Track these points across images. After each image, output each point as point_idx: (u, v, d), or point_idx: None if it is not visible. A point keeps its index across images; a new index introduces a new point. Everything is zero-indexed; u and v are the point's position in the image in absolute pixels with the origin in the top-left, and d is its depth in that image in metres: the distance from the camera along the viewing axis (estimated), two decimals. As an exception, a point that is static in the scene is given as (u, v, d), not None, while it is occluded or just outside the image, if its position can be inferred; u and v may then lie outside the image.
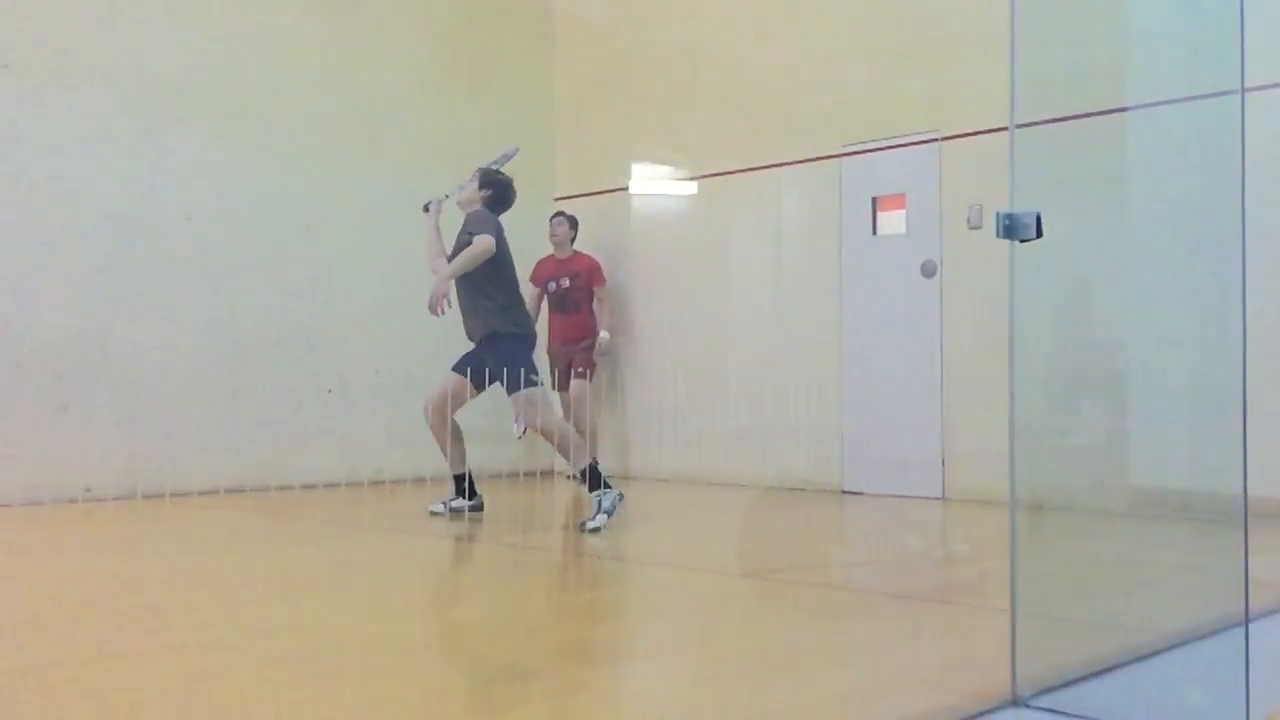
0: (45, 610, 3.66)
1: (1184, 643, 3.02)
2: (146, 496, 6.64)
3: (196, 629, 3.35)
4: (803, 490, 7.42)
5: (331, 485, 7.37)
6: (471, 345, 5.83)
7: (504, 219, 5.87)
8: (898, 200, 7.26)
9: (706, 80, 8.19)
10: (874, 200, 7.34)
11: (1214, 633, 2.87)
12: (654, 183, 8.60)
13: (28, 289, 6.45)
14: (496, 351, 5.67)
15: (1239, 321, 2.47)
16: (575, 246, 8.29)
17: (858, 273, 7.36)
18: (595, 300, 8.20)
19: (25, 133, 6.50)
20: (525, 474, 8.34)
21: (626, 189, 8.67)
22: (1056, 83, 3.09)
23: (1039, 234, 2.54)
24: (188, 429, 6.95)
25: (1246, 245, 2.52)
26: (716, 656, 3.08)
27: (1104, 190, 3.43)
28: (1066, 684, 2.58)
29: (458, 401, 5.76)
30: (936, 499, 6.88)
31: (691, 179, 8.35)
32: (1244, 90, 2.53)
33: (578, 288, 8.16)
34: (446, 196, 6.09)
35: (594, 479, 5.46)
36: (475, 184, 5.96)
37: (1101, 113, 3.28)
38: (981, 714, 2.42)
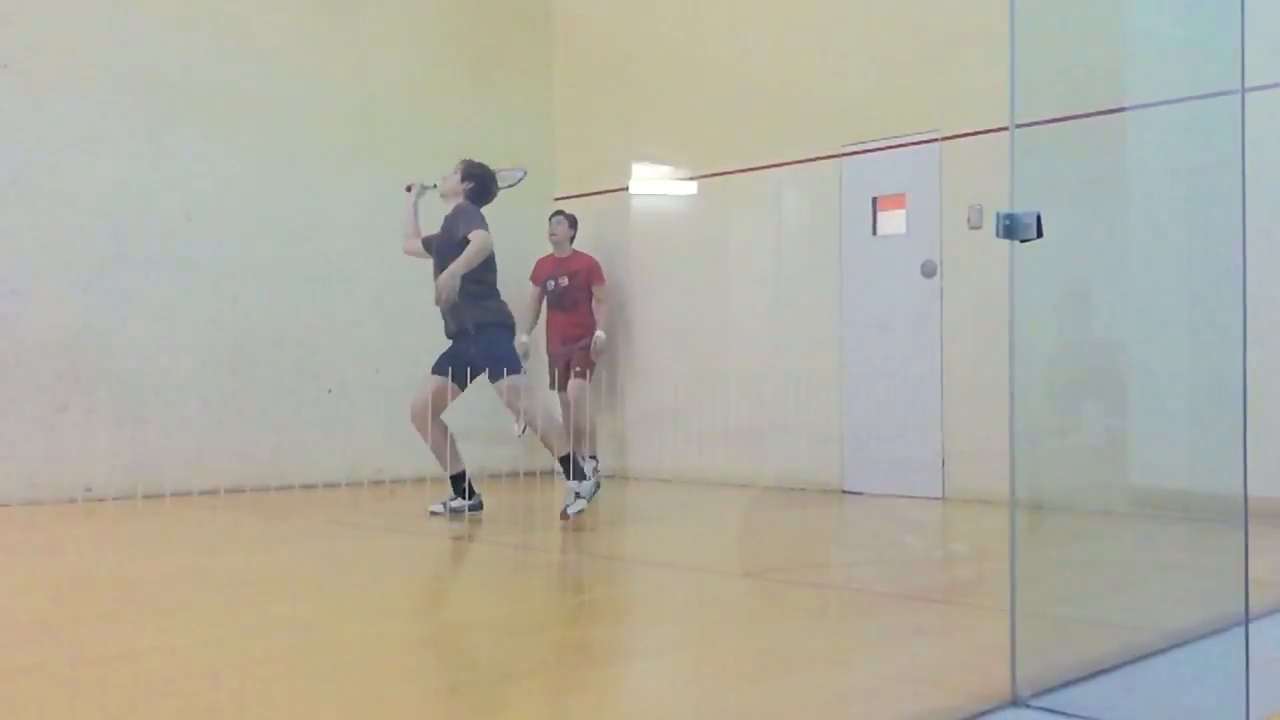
0: (45, 610, 3.65)
1: (1184, 643, 3.02)
2: (146, 496, 6.64)
3: (196, 629, 3.35)
4: (803, 490, 7.42)
5: (331, 485, 7.37)
6: (449, 343, 5.86)
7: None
8: (898, 200, 7.26)
9: (706, 80, 8.19)
10: (874, 200, 7.34)
11: (1214, 633, 2.88)
12: (654, 183, 8.60)
13: (28, 289, 6.45)
14: (480, 341, 5.74)
15: (1239, 321, 2.47)
16: (575, 246, 8.30)
17: (858, 273, 7.36)
18: (594, 300, 8.20)
19: (25, 133, 6.50)
20: (525, 474, 8.34)
21: (626, 189, 8.67)
22: (1056, 83, 3.09)
23: (1039, 234, 2.54)
24: (188, 429, 6.95)
25: (1246, 245, 2.52)
26: (716, 656, 3.08)
27: (1104, 190, 3.43)
28: (1066, 684, 2.58)
29: (441, 402, 5.81)
30: (936, 499, 6.88)
31: (691, 179, 8.35)
32: (1244, 90, 2.52)
33: (576, 286, 8.16)
34: (434, 186, 6.14)
35: (573, 468, 5.68)
36: (457, 176, 6.00)
37: (1101, 113, 3.28)
38: (981, 714, 2.42)
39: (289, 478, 7.22)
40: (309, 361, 7.54)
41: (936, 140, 6.99)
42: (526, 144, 8.90)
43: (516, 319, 8.33)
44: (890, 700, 2.61)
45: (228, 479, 7.01)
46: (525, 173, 6.40)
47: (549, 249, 8.33)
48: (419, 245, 6.13)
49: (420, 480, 7.24)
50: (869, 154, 7.33)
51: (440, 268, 5.73)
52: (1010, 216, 2.55)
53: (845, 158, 7.43)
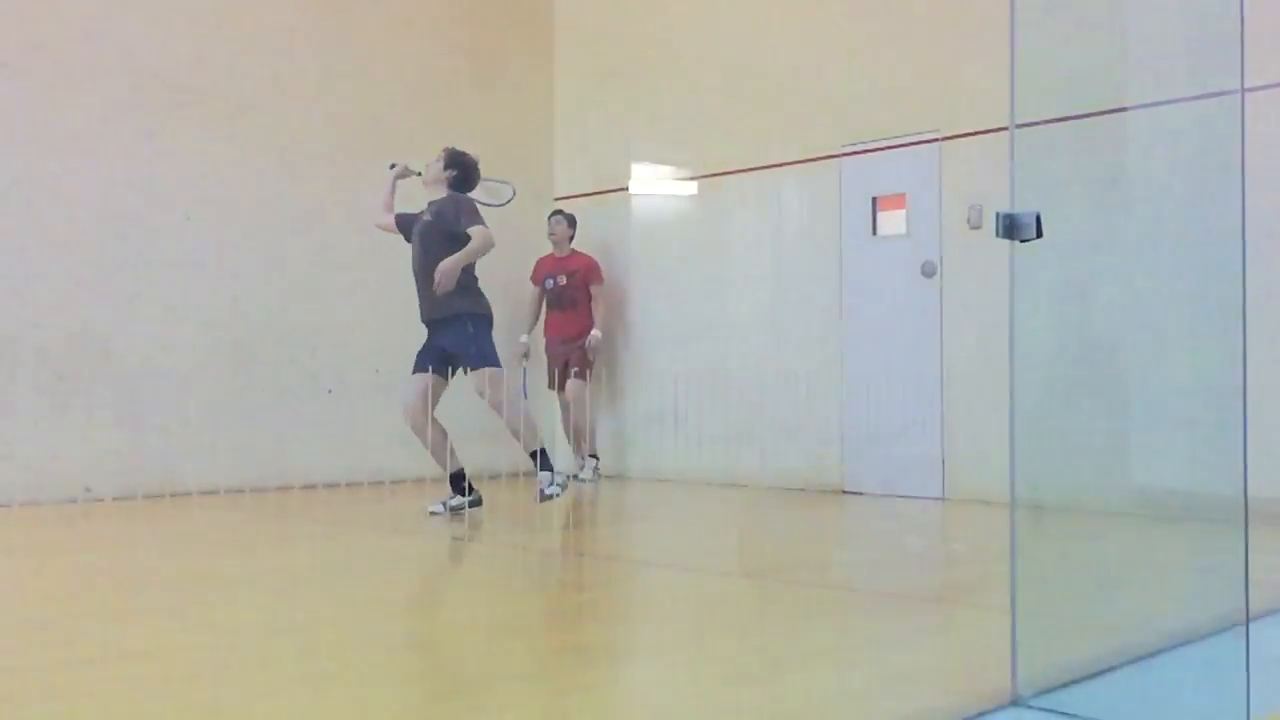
0: (45, 610, 3.65)
1: (1184, 643, 3.02)
2: (146, 496, 6.64)
3: (196, 629, 3.35)
4: (803, 490, 7.42)
5: (331, 485, 7.37)
6: (425, 340, 5.92)
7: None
8: (898, 200, 7.26)
9: (706, 80, 8.19)
10: (874, 200, 7.34)
11: (1214, 633, 2.87)
12: (654, 183, 8.60)
13: (28, 289, 6.45)
14: (461, 330, 5.79)
15: (1239, 321, 2.47)
16: (574, 245, 8.30)
17: (858, 273, 7.36)
18: (593, 299, 8.21)
19: (25, 133, 6.50)
20: (525, 474, 8.32)
21: (626, 189, 8.67)
22: (1056, 83, 3.09)
23: (1039, 234, 2.54)
24: (188, 429, 6.95)
25: (1247, 245, 2.52)
26: (716, 657, 3.08)
27: (1104, 190, 3.43)
28: (1066, 684, 2.57)
29: (433, 399, 5.83)
30: (936, 499, 6.88)
31: (691, 179, 8.35)
32: (1244, 90, 2.52)
33: (575, 285, 8.17)
34: (418, 174, 6.17)
35: (543, 462, 5.84)
36: (440, 164, 6.03)
37: (1101, 113, 3.28)
38: (981, 714, 2.42)
39: (289, 478, 7.22)
40: (309, 361, 7.54)
41: (936, 140, 6.99)
42: (526, 144, 8.90)
43: (516, 319, 8.38)
44: (890, 700, 2.61)
45: (228, 479, 7.01)
46: (515, 192, 6.46)
47: (549, 249, 8.34)
48: (391, 221, 6.21)
49: (420, 480, 7.24)
50: (869, 154, 7.33)
51: (425, 253, 5.77)
52: (1010, 216, 2.55)
53: (845, 158, 7.43)
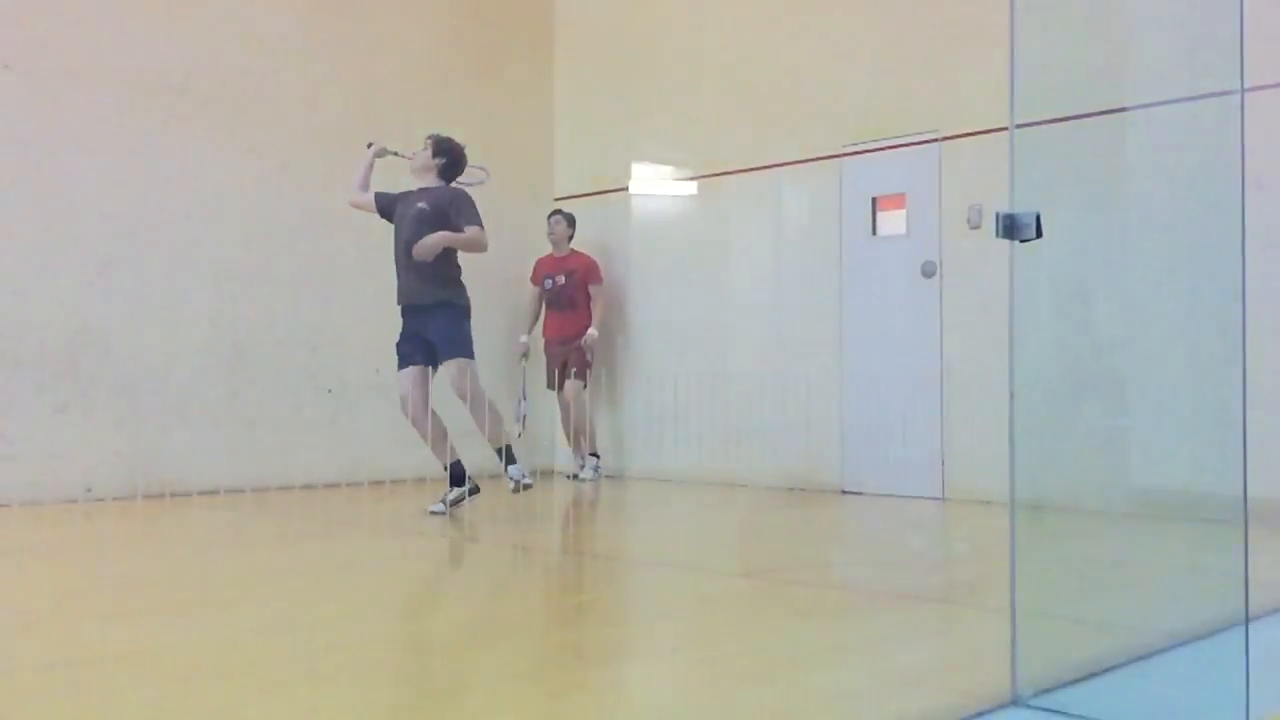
0: (45, 610, 3.65)
1: (1184, 643, 3.02)
2: (146, 496, 6.64)
3: (196, 629, 3.35)
4: (803, 490, 7.42)
5: (331, 485, 7.37)
6: (403, 328, 5.92)
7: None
8: (898, 200, 7.26)
9: (706, 80, 8.19)
10: (874, 200, 7.34)
11: (1214, 633, 2.87)
12: (654, 183, 8.60)
13: (28, 289, 6.45)
14: (440, 319, 5.80)
15: (1239, 321, 2.47)
16: (573, 245, 8.31)
17: (858, 273, 7.36)
18: (591, 299, 8.22)
19: (25, 133, 6.50)
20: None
21: (626, 189, 8.67)
22: (1056, 83, 3.09)
23: (1039, 234, 2.54)
24: (188, 429, 6.95)
25: (1246, 246, 2.52)
26: (716, 656, 3.08)
27: (1104, 190, 3.43)
28: (1066, 684, 2.57)
29: (425, 392, 5.87)
30: (936, 499, 6.88)
31: (691, 179, 8.35)
32: (1244, 90, 2.52)
33: (574, 285, 8.18)
34: (396, 153, 6.17)
35: (509, 455, 5.90)
36: (428, 153, 6.01)
37: (1101, 113, 3.28)
38: (981, 714, 2.42)
39: (289, 478, 7.22)
40: (309, 361, 7.54)
41: (936, 140, 6.99)
42: (526, 144, 8.90)
43: (516, 319, 8.39)
44: (890, 700, 2.61)
45: (228, 479, 7.01)
46: (488, 174, 6.45)
47: (548, 249, 8.34)
48: (369, 200, 6.17)
49: (420, 480, 7.24)
50: (869, 154, 7.33)
51: (415, 238, 5.75)
52: (1010, 216, 2.55)
53: (845, 158, 7.43)
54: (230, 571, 4.50)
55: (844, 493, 7.28)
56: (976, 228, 6.70)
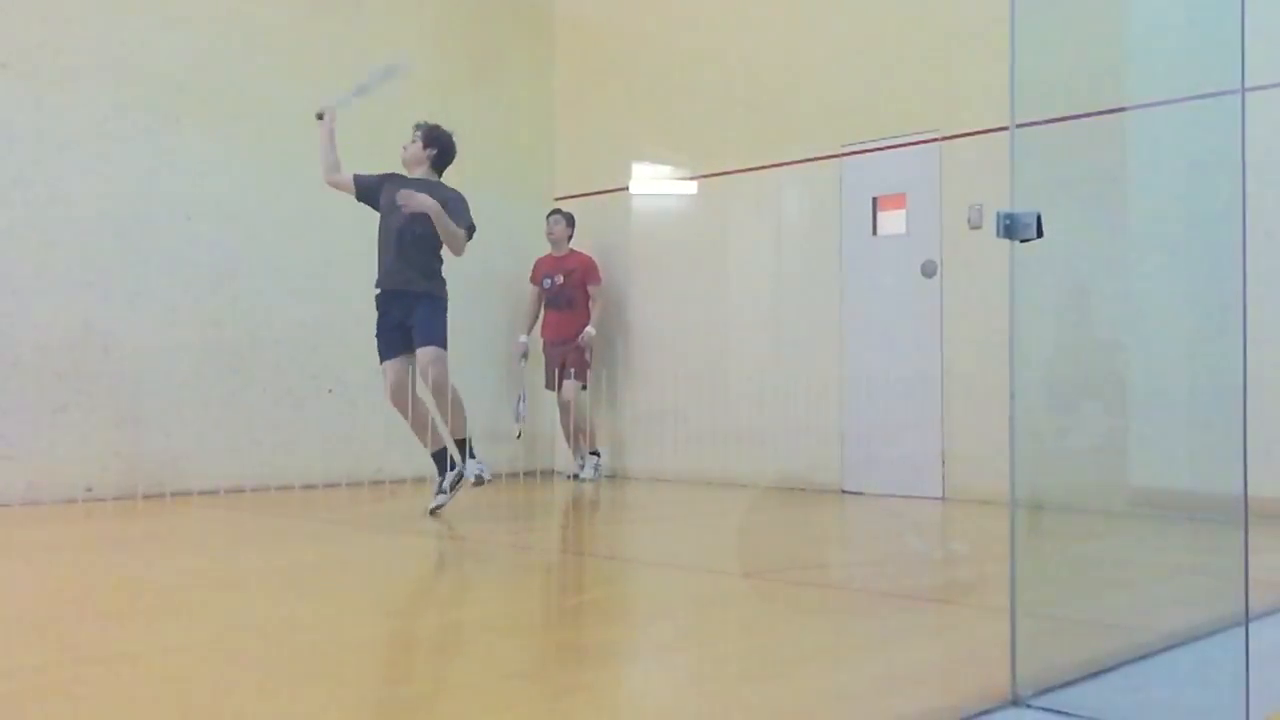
0: (45, 610, 3.65)
1: (1184, 643, 3.02)
2: (146, 496, 6.64)
3: (196, 629, 3.34)
4: (803, 490, 7.42)
5: (331, 485, 7.37)
6: (379, 317, 5.93)
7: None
8: (898, 200, 7.26)
9: (706, 80, 8.19)
10: (874, 200, 7.34)
11: (1214, 633, 2.88)
12: (654, 182, 8.60)
13: (28, 289, 6.45)
14: (420, 309, 5.81)
15: (1239, 321, 2.47)
16: (572, 245, 8.31)
17: (858, 273, 7.36)
18: (590, 299, 8.22)
19: (25, 133, 6.50)
20: (525, 474, 8.34)
21: (626, 189, 8.67)
22: (1056, 83, 3.09)
23: (1039, 234, 2.54)
24: (188, 429, 6.95)
25: (1246, 245, 2.52)
26: (716, 656, 3.08)
27: (1104, 190, 3.43)
28: (1066, 684, 2.57)
29: (407, 380, 5.86)
30: (936, 499, 6.88)
31: (691, 179, 8.35)
32: (1244, 90, 2.53)
33: (572, 284, 8.18)
34: (349, 95, 6.14)
35: (468, 451, 5.89)
36: (420, 144, 5.98)
37: (1101, 113, 3.28)
38: (981, 714, 2.42)
39: (289, 478, 7.22)
40: (309, 361, 7.54)
41: (936, 140, 6.99)
42: (526, 144, 8.91)
43: (515, 319, 8.38)
44: (890, 700, 2.61)
45: (228, 479, 7.01)
46: (397, 65, 6.23)
47: (547, 249, 8.34)
48: (347, 180, 6.07)
49: (420, 480, 7.24)
50: (869, 154, 7.33)
51: (405, 227, 5.75)
52: (1010, 216, 2.55)
53: (845, 158, 7.43)
54: (230, 571, 4.50)
55: (844, 493, 7.28)
56: (977, 228, 6.70)
